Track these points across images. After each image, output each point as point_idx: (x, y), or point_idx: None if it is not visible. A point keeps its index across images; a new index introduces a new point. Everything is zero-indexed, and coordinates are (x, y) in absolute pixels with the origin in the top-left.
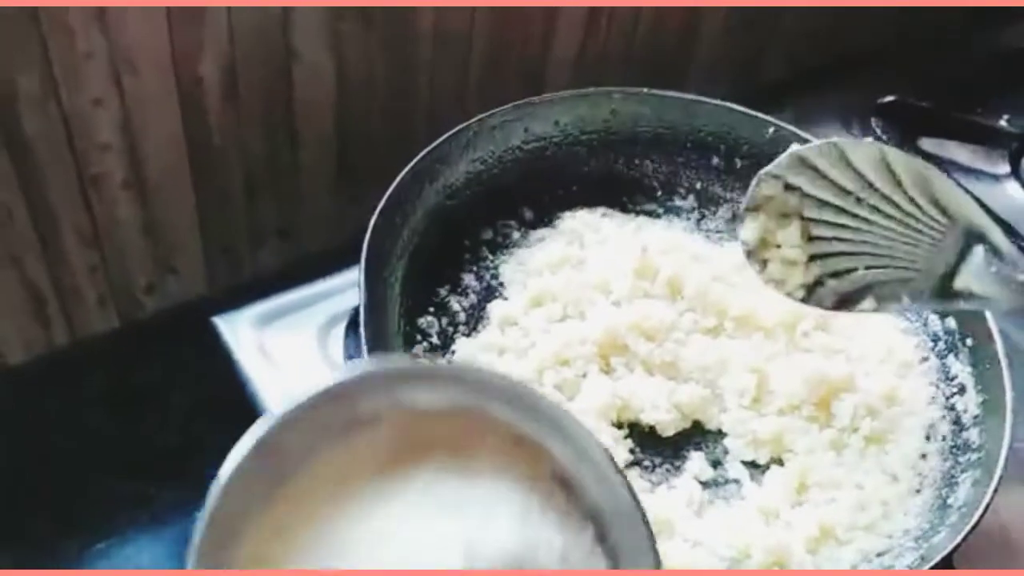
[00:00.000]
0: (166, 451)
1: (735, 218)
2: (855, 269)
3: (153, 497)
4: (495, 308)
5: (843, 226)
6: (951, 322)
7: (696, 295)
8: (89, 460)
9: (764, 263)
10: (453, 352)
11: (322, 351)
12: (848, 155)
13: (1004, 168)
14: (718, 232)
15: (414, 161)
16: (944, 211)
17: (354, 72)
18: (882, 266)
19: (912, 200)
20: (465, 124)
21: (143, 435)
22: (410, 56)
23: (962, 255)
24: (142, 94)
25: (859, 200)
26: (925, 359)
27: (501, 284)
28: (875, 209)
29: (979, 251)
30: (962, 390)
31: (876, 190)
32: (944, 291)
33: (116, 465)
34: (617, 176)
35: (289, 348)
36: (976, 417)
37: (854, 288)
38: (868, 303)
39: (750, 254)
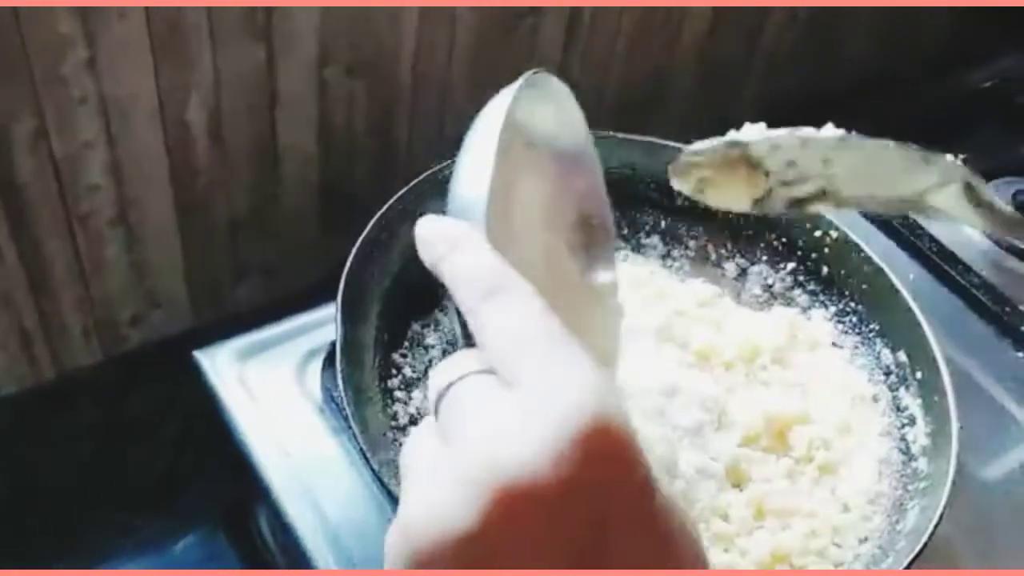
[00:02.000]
0: (149, 481)
1: (698, 257)
2: (810, 178)
3: (137, 526)
4: None
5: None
6: (902, 355)
7: (661, 328)
8: (73, 491)
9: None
10: (428, 386)
11: (300, 386)
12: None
13: None
14: (681, 269)
15: (392, 200)
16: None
17: (337, 116)
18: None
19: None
20: (441, 165)
21: (126, 465)
22: (391, 100)
23: (939, 185)
24: (130, 137)
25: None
26: (877, 392)
27: None
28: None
29: (955, 186)
30: (912, 421)
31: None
32: (917, 204)
33: (99, 495)
34: None
35: (268, 382)
36: (925, 447)
37: (808, 194)
38: (825, 206)
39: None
